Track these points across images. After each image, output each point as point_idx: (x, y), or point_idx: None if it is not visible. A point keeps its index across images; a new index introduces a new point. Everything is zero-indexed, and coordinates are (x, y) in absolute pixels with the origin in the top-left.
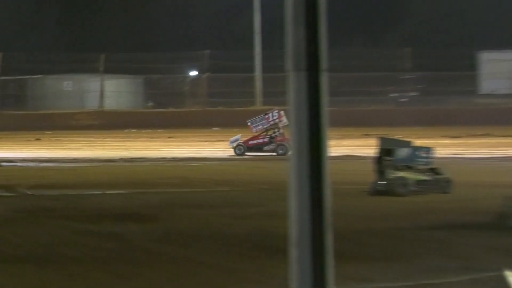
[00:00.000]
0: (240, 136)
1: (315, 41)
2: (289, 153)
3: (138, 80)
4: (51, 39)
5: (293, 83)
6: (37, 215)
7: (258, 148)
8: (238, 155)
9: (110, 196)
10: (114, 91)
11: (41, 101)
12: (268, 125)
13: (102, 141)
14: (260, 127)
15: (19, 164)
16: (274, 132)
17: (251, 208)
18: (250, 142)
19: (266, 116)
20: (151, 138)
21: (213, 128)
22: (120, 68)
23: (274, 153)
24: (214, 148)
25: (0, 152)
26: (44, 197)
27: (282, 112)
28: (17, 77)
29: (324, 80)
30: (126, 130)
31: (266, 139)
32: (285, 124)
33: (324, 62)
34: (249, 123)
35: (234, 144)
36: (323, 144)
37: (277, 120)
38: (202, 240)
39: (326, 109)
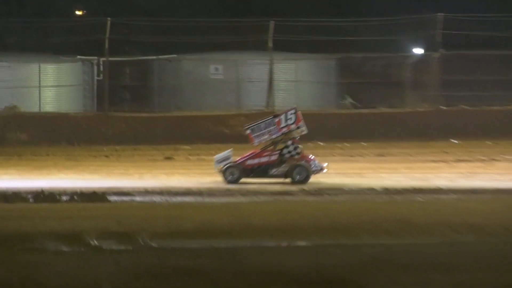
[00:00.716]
0: (231, 152)
1: None
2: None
3: (328, 63)
4: None
5: None
6: (169, 281)
7: (262, 170)
8: (229, 182)
9: (286, 251)
10: (290, 80)
11: (173, 96)
12: (279, 134)
13: None
14: (266, 137)
15: (138, 198)
16: (287, 146)
17: None
18: (249, 162)
19: (276, 120)
20: (350, 156)
21: (452, 140)
22: (299, 43)
23: (288, 179)
24: (454, 171)
25: (107, 178)
26: (179, 252)
27: (299, 113)
28: (135, 58)
29: None
30: (310, 143)
31: (274, 157)
32: (303, 132)
33: None
34: (248, 131)
35: (222, 165)
36: None
37: (293, 126)
38: None
39: None
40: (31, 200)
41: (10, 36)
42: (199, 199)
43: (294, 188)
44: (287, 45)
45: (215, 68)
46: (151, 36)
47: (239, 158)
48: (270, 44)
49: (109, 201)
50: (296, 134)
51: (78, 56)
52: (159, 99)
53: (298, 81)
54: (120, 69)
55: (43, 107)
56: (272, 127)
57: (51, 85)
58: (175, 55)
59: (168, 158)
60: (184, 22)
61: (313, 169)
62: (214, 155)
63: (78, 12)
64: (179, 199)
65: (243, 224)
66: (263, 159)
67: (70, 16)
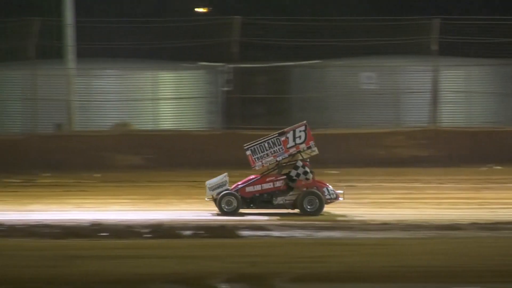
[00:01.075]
0: (226, 178)
1: None
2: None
3: (507, 69)
4: None
5: None
6: None
7: (265, 200)
8: (226, 212)
9: None
10: (460, 90)
11: (316, 110)
12: (286, 155)
13: (439, 188)
14: (270, 159)
15: (275, 233)
16: (296, 167)
17: None
18: (249, 189)
19: (282, 138)
20: None
21: None
22: (470, 45)
23: (295, 210)
24: None
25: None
26: None
27: (310, 130)
28: (270, 65)
29: None
30: (483, 168)
31: (279, 183)
32: (314, 153)
33: None
34: (247, 152)
35: (215, 193)
36: None
37: (302, 146)
38: None
39: None
40: (147, 235)
41: (119, 40)
42: (349, 234)
43: (459, 217)
44: (455, 48)
45: (367, 76)
46: (289, 38)
47: (237, 184)
48: (435, 47)
49: (241, 237)
50: (304, 155)
51: (201, 63)
52: (299, 114)
53: (469, 92)
54: (252, 77)
55: (159, 124)
56: (277, 147)
57: (168, 97)
58: (318, 61)
59: None
60: (329, 22)
61: (327, 197)
62: (365, 178)
63: (200, 10)
64: (324, 234)
65: (401, 266)
66: (266, 186)
67: (190, 15)
